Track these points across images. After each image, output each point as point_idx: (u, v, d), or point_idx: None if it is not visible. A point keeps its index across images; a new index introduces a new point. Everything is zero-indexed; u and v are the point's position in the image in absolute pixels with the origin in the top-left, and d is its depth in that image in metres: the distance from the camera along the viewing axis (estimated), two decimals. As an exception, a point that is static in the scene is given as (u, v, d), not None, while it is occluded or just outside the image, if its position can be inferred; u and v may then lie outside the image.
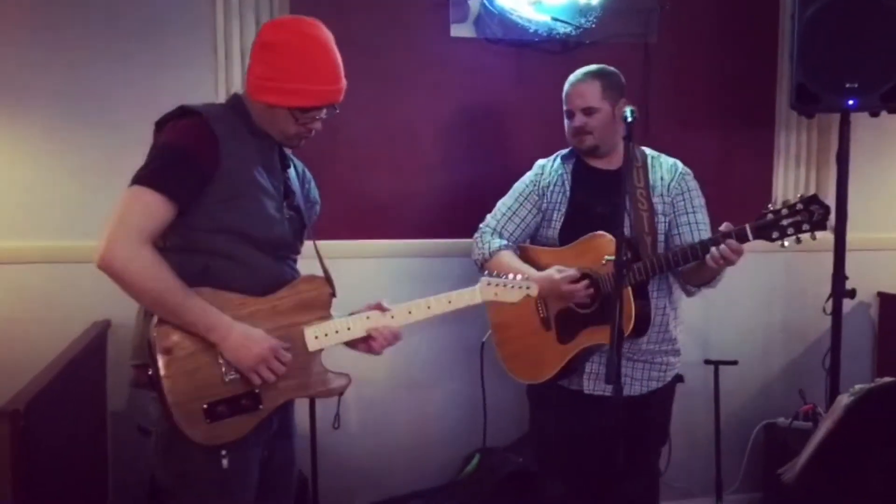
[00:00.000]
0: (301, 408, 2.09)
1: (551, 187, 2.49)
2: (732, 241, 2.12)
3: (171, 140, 1.75)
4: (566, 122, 2.47)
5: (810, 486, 2.13)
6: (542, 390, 2.49)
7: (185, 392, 1.71)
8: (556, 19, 3.08)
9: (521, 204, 2.51)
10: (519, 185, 2.55)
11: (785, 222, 2.09)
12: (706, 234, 2.37)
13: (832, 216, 2.80)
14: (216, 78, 2.86)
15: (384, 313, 1.92)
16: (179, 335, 1.72)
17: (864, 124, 3.06)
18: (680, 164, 2.49)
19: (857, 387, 2.11)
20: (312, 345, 1.84)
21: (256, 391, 1.77)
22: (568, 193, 2.47)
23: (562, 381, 2.43)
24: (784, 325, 3.43)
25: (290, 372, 1.80)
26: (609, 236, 2.27)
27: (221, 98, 2.77)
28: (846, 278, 2.94)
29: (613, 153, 2.47)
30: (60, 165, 2.81)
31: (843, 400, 2.09)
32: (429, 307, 1.96)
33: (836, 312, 2.95)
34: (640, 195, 2.37)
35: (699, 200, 2.46)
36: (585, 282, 2.29)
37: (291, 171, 1.96)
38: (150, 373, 1.72)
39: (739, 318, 3.37)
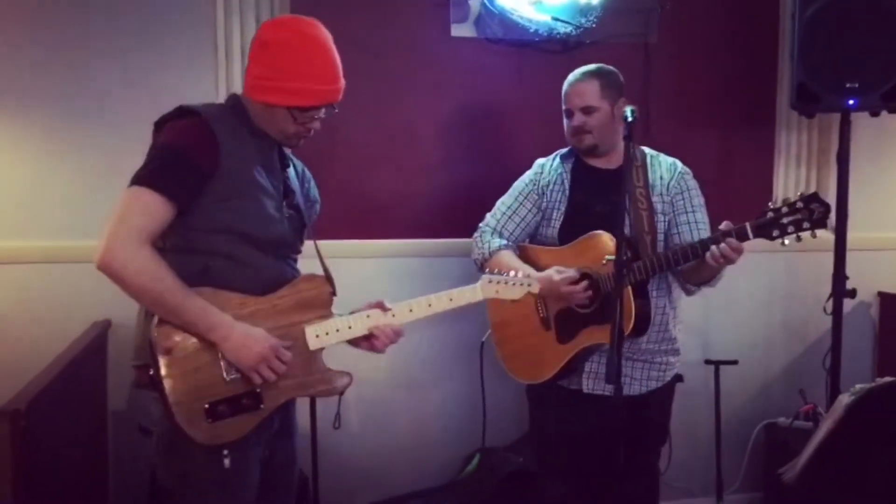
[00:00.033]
0: (302, 407, 2.09)
1: (551, 186, 2.49)
2: (733, 240, 2.12)
3: (170, 140, 1.74)
4: (565, 121, 2.47)
5: (811, 485, 2.13)
6: (541, 390, 2.49)
7: (187, 392, 1.71)
8: (556, 19, 3.08)
9: (521, 203, 2.51)
10: (518, 185, 2.55)
11: (785, 220, 2.09)
12: (705, 233, 2.37)
13: (832, 215, 2.81)
14: (216, 77, 2.86)
15: (385, 312, 1.92)
16: (180, 335, 1.72)
17: (865, 124, 3.06)
18: (679, 164, 2.49)
19: (858, 386, 2.11)
20: (313, 343, 1.84)
21: (257, 390, 1.77)
22: (567, 192, 2.47)
23: (561, 380, 2.43)
24: (784, 325, 3.43)
25: (292, 371, 1.80)
26: (608, 235, 2.27)
27: (222, 97, 2.76)
28: (847, 278, 2.94)
29: (612, 152, 2.47)
30: (60, 165, 2.81)
31: (844, 400, 2.09)
32: (430, 305, 1.96)
33: (837, 312, 2.95)
34: (640, 194, 2.38)
35: (698, 199, 2.46)
36: (584, 283, 2.29)
37: (291, 171, 1.96)
38: (151, 373, 1.72)
39: (740, 318, 3.37)
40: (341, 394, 1.91)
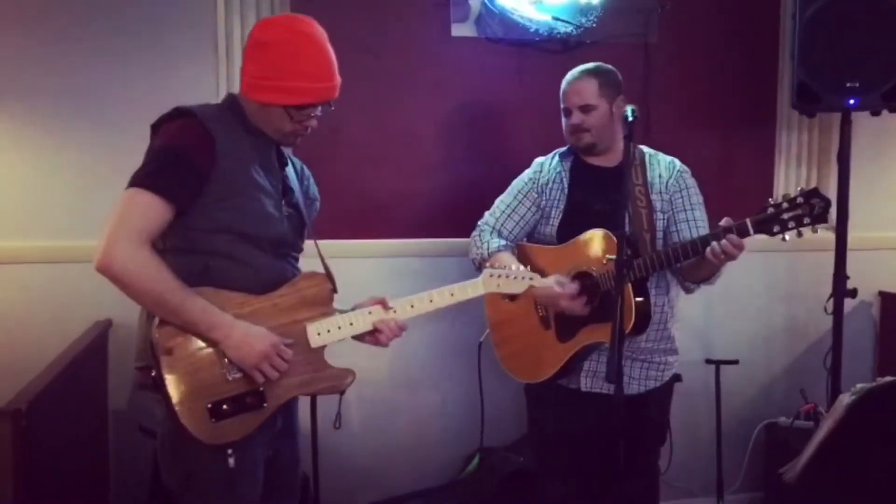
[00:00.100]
0: (302, 407, 2.09)
1: (550, 185, 2.49)
2: (733, 236, 2.11)
3: (167, 141, 1.75)
4: (563, 119, 2.47)
5: (812, 485, 2.13)
6: (540, 389, 2.48)
7: (189, 392, 1.71)
8: (556, 19, 3.08)
9: (520, 202, 2.51)
10: (518, 183, 2.55)
11: (786, 216, 2.08)
12: (704, 230, 2.37)
13: (833, 214, 2.81)
14: (217, 76, 2.86)
15: (386, 310, 1.92)
16: (181, 336, 1.72)
17: (865, 123, 3.06)
18: (678, 162, 2.49)
19: (859, 386, 2.10)
20: (315, 341, 1.84)
21: (260, 389, 1.77)
22: (566, 191, 2.47)
23: (560, 380, 2.43)
24: (785, 325, 3.42)
25: (294, 369, 1.80)
26: (607, 233, 2.27)
27: (222, 97, 2.75)
28: (847, 278, 2.94)
29: (611, 151, 2.47)
30: (61, 165, 2.81)
31: (845, 399, 2.09)
32: (431, 300, 1.96)
33: (838, 312, 2.95)
34: (639, 192, 2.38)
35: (697, 198, 2.46)
36: (583, 298, 2.28)
37: (289, 169, 1.96)
38: (153, 374, 1.72)
39: (740, 317, 3.37)
40: (342, 393, 1.91)
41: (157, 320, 1.72)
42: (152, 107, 1.85)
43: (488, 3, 3.03)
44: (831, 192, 3.03)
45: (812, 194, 2.08)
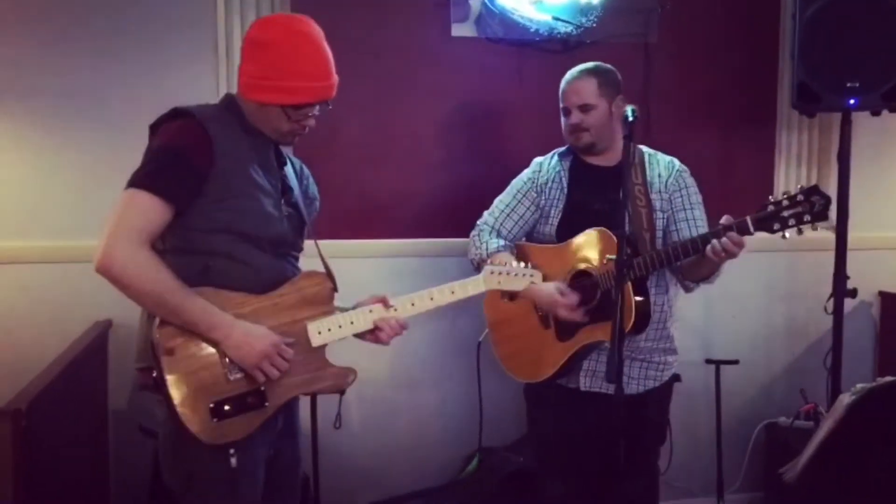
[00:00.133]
0: (303, 407, 2.09)
1: (549, 184, 2.49)
2: (734, 234, 2.11)
3: (165, 142, 1.75)
4: (563, 119, 2.47)
5: (812, 485, 2.13)
6: (539, 389, 2.48)
7: (191, 392, 1.71)
8: (556, 19, 3.08)
9: (520, 201, 2.51)
10: (517, 183, 2.55)
11: (786, 213, 2.08)
12: (704, 230, 2.37)
13: (833, 214, 2.81)
14: (217, 76, 2.86)
15: (387, 308, 1.92)
16: (182, 336, 1.72)
17: (866, 123, 3.06)
18: (677, 162, 2.49)
19: (859, 386, 2.11)
20: (316, 340, 1.84)
21: (262, 388, 1.77)
22: (565, 190, 2.47)
23: (560, 379, 2.43)
24: (785, 325, 3.42)
25: (295, 368, 1.80)
26: (607, 232, 2.27)
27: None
28: (847, 277, 2.94)
29: (610, 150, 2.47)
30: (61, 165, 2.81)
31: (845, 399, 2.09)
32: (432, 298, 1.96)
33: (838, 312, 2.95)
34: (638, 192, 2.38)
35: (696, 197, 2.46)
36: (582, 309, 2.28)
37: (288, 168, 1.96)
38: (154, 375, 1.72)
39: (740, 317, 3.36)
40: (342, 393, 1.91)
41: (157, 321, 1.72)
42: (152, 107, 1.85)
43: (488, 3, 3.03)
44: (831, 192, 3.01)
45: (812, 192, 2.08)
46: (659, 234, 2.40)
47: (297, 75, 1.78)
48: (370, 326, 1.91)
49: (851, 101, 2.80)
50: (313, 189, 2.08)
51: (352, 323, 1.89)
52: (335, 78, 1.84)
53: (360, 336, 1.93)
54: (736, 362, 3.13)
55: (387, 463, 3.10)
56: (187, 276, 1.72)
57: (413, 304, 1.95)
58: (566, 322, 2.35)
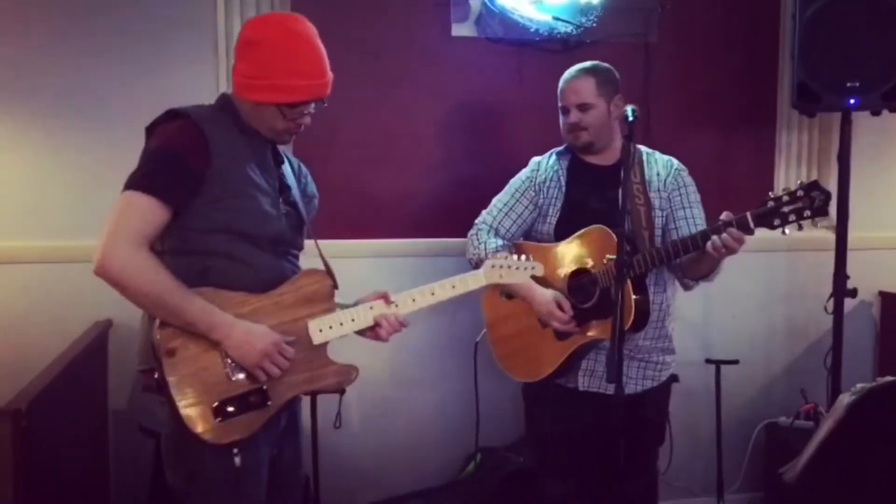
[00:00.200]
0: (303, 407, 2.09)
1: (547, 183, 2.49)
2: (734, 230, 2.10)
3: (162, 143, 1.75)
4: (561, 118, 2.47)
5: (812, 485, 2.13)
6: (537, 389, 2.48)
7: (193, 393, 1.71)
8: (556, 18, 3.08)
9: (518, 200, 2.51)
10: (515, 182, 2.55)
11: (786, 209, 2.07)
12: (703, 228, 2.37)
13: (833, 214, 2.81)
14: (217, 76, 2.86)
15: (388, 304, 1.92)
16: (183, 336, 1.72)
17: (866, 123, 3.06)
18: (675, 161, 2.50)
19: (859, 386, 2.10)
20: (317, 338, 1.84)
21: (264, 387, 1.77)
22: (563, 189, 2.47)
23: (558, 379, 2.43)
24: (785, 325, 3.43)
25: (297, 367, 1.81)
26: (606, 230, 2.27)
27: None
28: (847, 277, 2.94)
29: (608, 149, 2.47)
30: (61, 165, 2.81)
31: (845, 399, 2.09)
32: (433, 293, 1.96)
33: (838, 312, 2.95)
34: (637, 190, 2.38)
35: (695, 196, 2.46)
36: (574, 322, 2.30)
37: (286, 167, 1.96)
38: (156, 376, 1.72)
39: (740, 317, 3.37)
40: (342, 392, 1.91)
41: (157, 322, 1.72)
42: (152, 107, 1.85)
43: (488, 3, 3.03)
44: (831, 192, 3.04)
45: (812, 187, 2.08)
46: (658, 232, 2.40)
47: (292, 74, 1.78)
48: (371, 323, 1.91)
49: (851, 101, 2.80)
50: (312, 187, 2.08)
51: (353, 320, 1.89)
52: (330, 75, 1.84)
53: (360, 333, 1.93)
54: (736, 362, 3.12)
55: (387, 463, 3.10)
56: (186, 277, 1.72)
57: (414, 300, 1.94)
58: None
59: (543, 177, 2.50)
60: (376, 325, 1.91)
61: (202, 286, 1.74)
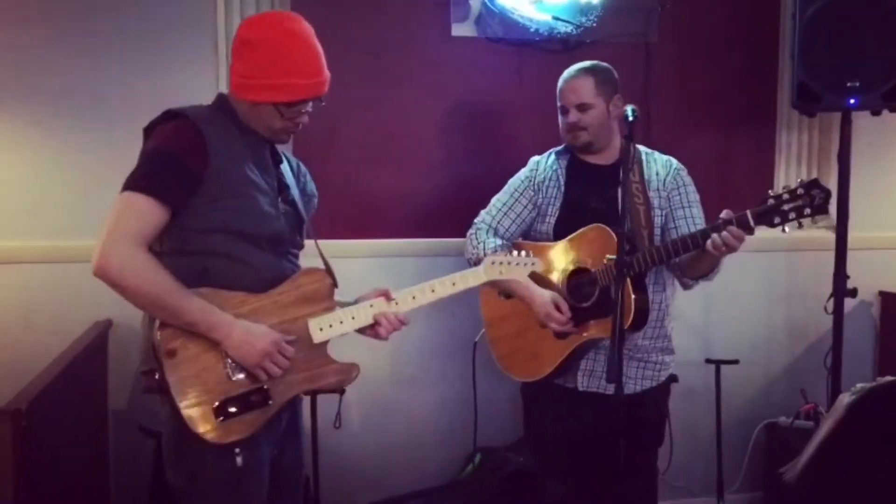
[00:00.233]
0: (303, 407, 2.09)
1: (546, 182, 2.49)
2: (734, 228, 2.10)
3: (159, 144, 1.75)
4: (560, 118, 2.47)
5: (812, 485, 2.13)
6: (536, 389, 2.48)
7: (194, 393, 1.71)
8: (556, 18, 3.08)
9: (517, 199, 2.51)
10: (514, 181, 2.55)
11: (786, 207, 2.07)
12: (702, 227, 2.37)
13: (833, 214, 2.81)
14: (217, 76, 2.86)
15: (388, 302, 1.92)
16: (183, 337, 1.72)
17: (866, 123, 3.06)
18: (674, 161, 2.50)
19: (859, 386, 2.11)
20: (318, 337, 1.84)
21: (265, 387, 1.77)
22: (562, 189, 2.47)
23: (557, 379, 2.43)
24: (785, 325, 3.42)
25: (298, 365, 1.80)
26: (606, 228, 2.27)
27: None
28: (847, 277, 2.94)
29: (607, 149, 2.47)
30: (61, 165, 2.81)
31: (845, 399, 2.09)
32: (433, 290, 1.95)
33: (838, 311, 2.95)
34: (636, 189, 2.38)
35: (694, 196, 2.46)
36: (571, 324, 2.30)
37: (285, 166, 1.96)
38: (156, 377, 1.72)
39: (740, 317, 3.36)
40: (342, 392, 1.90)
41: (157, 323, 1.72)
42: (152, 107, 1.85)
43: (488, 3, 3.03)
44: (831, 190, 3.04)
45: (812, 185, 2.08)
46: (657, 231, 2.40)
47: (289, 73, 1.78)
48: (371, 321, 1.91)
49: (851, 101, 2.80)
50: (311, 186, 2.08)
51: (353, 318, 1.89)
52: (327, 74, 1.84)
53: (360, 331, 1.93)
54: (736, 362, 3.12)
55: (386, 463, 3.10)
56: (186, 278, 1.72)
57: (414, 298, 1.94)
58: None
59: (542, 176, 2.50)
60: (376, 323, 1.91)
61: (201, 286, 1.74)
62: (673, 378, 2.55)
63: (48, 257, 2.79)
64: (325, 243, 2.02)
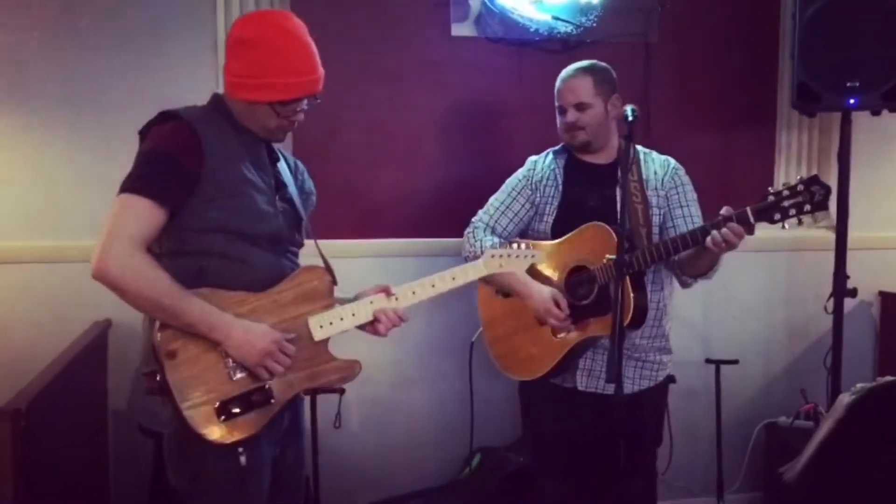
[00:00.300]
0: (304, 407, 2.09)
1: (544, 182, 2.49)
2: (734, 224, 2.10)
3: (155, 145, 1.75)
4: (558, 118, 2.47)
5: (812, 485, 2.13)
6: (535, 388, 2.48)
7: (195, 394, 1.71)
8: (556, 18, 3.08)
9: (515, 199, 2.51)
10: (511, 181, 2.55)
11: (786, 203, 2.07)
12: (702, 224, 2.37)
13: (832, 214, 2.81)
14: (217, 76, 2.85)
15: (388, 297, 1.91)
16: (183, 338, 1.72)
17: (866, 123, 3.06)
18: (672, 160, 2.50)
19: (859, 386, 2.11)
20: (318, 334, 1.84)
21: (266, 386, 1.77)
22: (560, 188, 2.47)
23: (555, 378, 2.43)
24: (785, 325, 3.42)
25: (299, 363, 1.80)
26: (605, 226, 2.27)
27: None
28: (847, 277, 2.94)
29: (605, 148, 2.47)
30: (61, 165, 2.81)
31: (845, 399, 2.09)
32: (433, 286, 1.94)
33: (838, 311, 2.95)
34: (634, 188, 2.38)
35: (692, 195, 2.47)
36: (570, 321, 2.30)
37: (282, 165, 1.96)
38: (157, 378, 1.72)
39: (740, 317, 3.37)
40: (342, 392, 1.90)
41: (157, 324, 1.72)
42: (152, 107, 1.85)
43: (488, 3, 3.03)
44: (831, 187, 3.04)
45: (812, 182, 2.08)
46: (655, 230, 2.40)
47: (283, 71, 1.78)
48: (371, 318, 1.90)
49: (851, 101, 2.80)
50: (309, 184, 2.07)
51: (353, 315, 1.89)
52: (321, 71, 1.84)
53: (360, 328, 1.93)
54: (736, 362, 3.12)
55: (386, 463, 3.10)
56: (185, 278, 1.72)
57: (414, 293, 1.93)
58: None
59: (540, 175, 2.50)
60: (375, 320, 1.90)
61: (200, 287, 1.73)
62: (671, 378, 2.56)
63: (48, 257, 2.79)
64: (325, 243, 2.01)
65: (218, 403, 1.72)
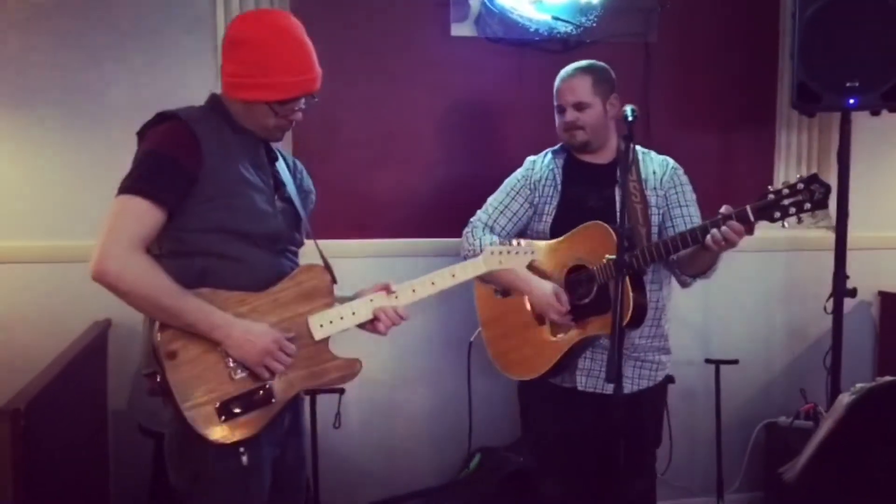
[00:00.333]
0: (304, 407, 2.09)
1: (543, 181, 2.49)
2: (734, 223, 2.10)
3: (153, 146, 1.75)
4: (557, 117, 2.47)
5: (811, 485, 2.13)
6: (534, 388, 2.48)
7: (196, 394, 1.71)
8: (556, 18, 3.08)
9: (513, 198, 2.51)
10: (510, 181, 2.55)
11: (786, 202, 2.07)
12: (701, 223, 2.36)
13: (832, 214, 2.80)
14: (217, 76, 2.83)
15: (388, 295, 1.91)
16: (183, 338, 1.72)
17: (865, 123, 3.06)
18: (671, 160, 2.50)
19: (859, 385, 2.10)
20: (318, 333, 1.84)
21: (267, 385, 1.77)
22: (559, 188, 2.47)
23: (554, 378, 2.43)
24: (785, 325, 3.43)
25: (300, 362, 1.81)
26: (604, 225, 2.27)
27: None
28: (847, 277, 2.94)
29: (604, 148, 2.47)
30: (60, 165, 2.81)
31: (845, 399, 2.09)
32: (433, 283, 1.95)
33: (837, 311, 2.95)
34: (633, 188, 2.37)
35: (691, 195, 2.47)
36: (570, 316, 2.30)
37: (280, 164, 1.96)
38: (158, 379, 1.71)
39: (740, 317, 3.37)
40: (342, 392, 1.90)
41: (157, 324, 1.72)
42: (152, 107, 1.85)
43: (488, 3, 3.03)
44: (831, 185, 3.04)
45: (812, 180, 2.07)
46: (654, 229, 2.40)
47: (280, 71, 1.77)
48: (371, 316, 1.90)
49: (851, 101, 2.80)
50: (308, 183, 2.07)
51: (353, 313, 1.88)
52: (318, 70, 1.84)
53: (360, 326, 1.93)
54: (736, 362, 3.12)
55: (386, 463, 3.10)
56: (184, 279, 1.72)
57: (414, 291, 1.93)
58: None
59: (539, 175, 2.50)
60: (375, 318, 1.90)
61: (200, 287, 1.74)
62: (669, 379, 2.56)
63: (48, 257, 2.79)
64: (324, 243, 2.01)
65: (219, 403, 1.72)
